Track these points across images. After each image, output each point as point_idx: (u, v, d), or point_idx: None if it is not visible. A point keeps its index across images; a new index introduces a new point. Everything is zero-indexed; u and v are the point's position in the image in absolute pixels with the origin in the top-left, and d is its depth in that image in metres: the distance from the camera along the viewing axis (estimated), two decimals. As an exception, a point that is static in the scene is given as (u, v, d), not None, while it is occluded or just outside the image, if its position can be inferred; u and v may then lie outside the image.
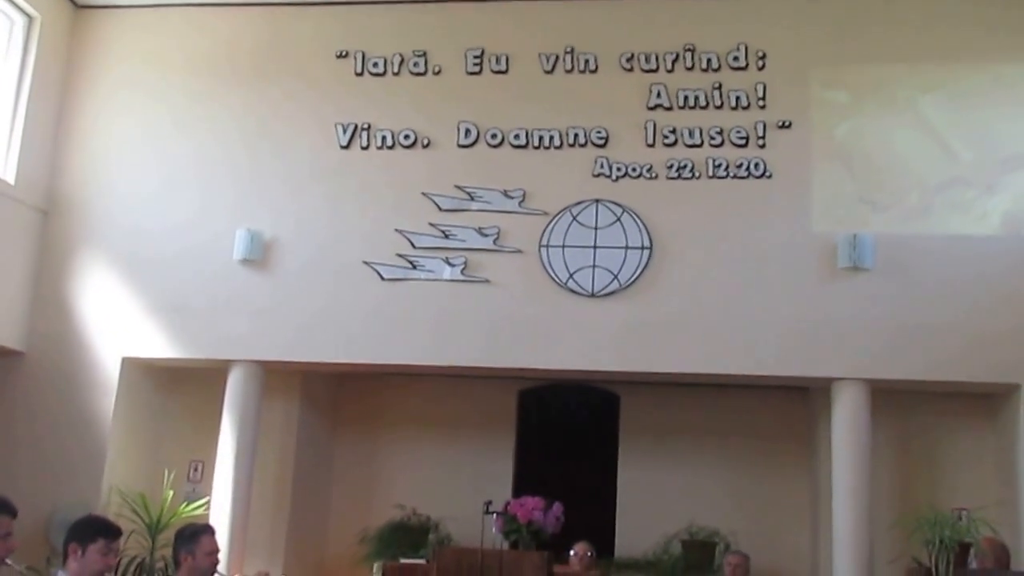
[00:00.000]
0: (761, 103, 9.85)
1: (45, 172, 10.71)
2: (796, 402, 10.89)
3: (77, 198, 10.68)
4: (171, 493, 10.02)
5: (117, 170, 10.69)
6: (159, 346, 10.22)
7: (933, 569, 8.58)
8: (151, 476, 10.35)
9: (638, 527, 10.78)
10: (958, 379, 9.26)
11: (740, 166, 9.74)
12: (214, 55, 10.79)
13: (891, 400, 9.84)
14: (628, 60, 10.09)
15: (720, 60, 9.96)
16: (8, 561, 4.17)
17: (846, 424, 9.36)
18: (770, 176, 9.70)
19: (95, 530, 4.89)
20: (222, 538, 6.75)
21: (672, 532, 10.40)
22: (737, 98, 9.87)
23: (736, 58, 9.94)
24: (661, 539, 10.41)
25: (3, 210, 10.15)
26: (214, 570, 5.60)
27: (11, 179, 10.29)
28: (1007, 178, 9.56)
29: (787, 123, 9.77)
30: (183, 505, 10.05)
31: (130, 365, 10.34)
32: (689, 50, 10.00)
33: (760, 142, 9.78)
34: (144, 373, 10.60)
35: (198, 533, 5.60)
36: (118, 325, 10.31)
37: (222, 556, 6.01)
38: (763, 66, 9.93)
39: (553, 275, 9.72)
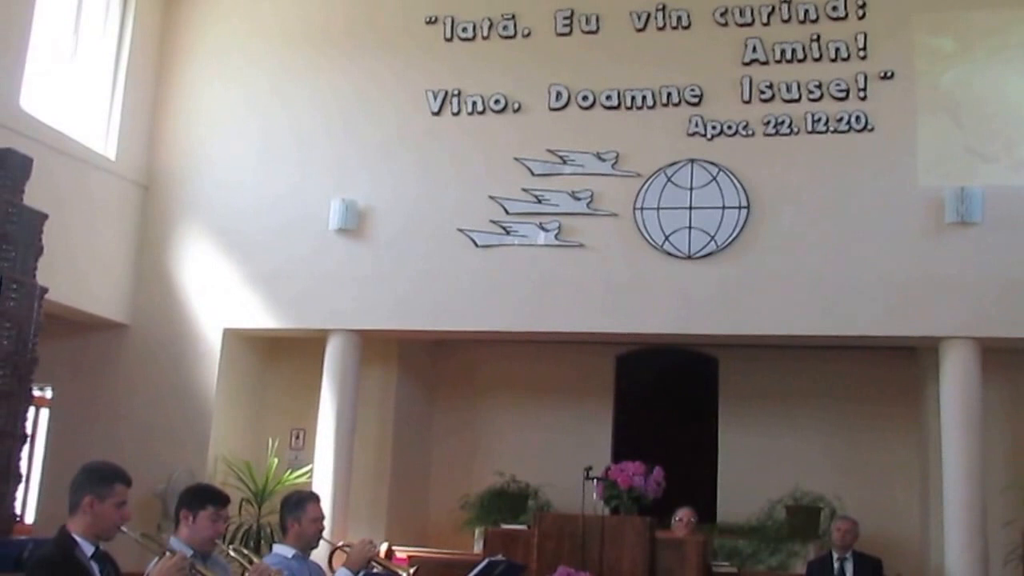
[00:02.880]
0: (862, 54, 9.89)
1: (144, 147, 11.26)
2: (903, 363, 10.92)
3: (176, 172, 11.21)
4: (275, 461, 10.55)
5: (214, 144, 11.18)
6: (259, 317, 10.71)
7: None
8: (255, 445, 10.92)
9: (740, 492, 11.02)
10: (1073, 335, 9.19)
11: (841, 120, 9.80)
12: (305, 26, 11.19)
13: (1002, 359, 9.83)
14: (722, 15, 10.20)
15: (818, 10, 10.01)
16: (124, 529, 4.38)
17: (955, 385, 9.40)
18: (872, 129, 9.75)
19: (205, 498, 5.13)
20: (325, 505, 7.03)
21: (776, 497, 10.63)
22: (836, 49, 9.92)
23: (835, 7, 9.99)
24: (765, 504, 10.65)
25: (105, 186, 10.73)
26: (320, 536, 5.81)
27: (112, 155, 10.86)
28: None
29: (889, 73, 9.80)
30: (287, 473, 10.57)
31: (231, 336, 10.87)
32: (785, 2, 10.10)
33: (861, 94, 9.82)
34: (245, 344, 11.14)
35: (304, 500, 5.81)
36: (218, 297, 10.83)
37: (327, 523, 6.23)
38: (863, 15, 9.95)
39: (648, 238, 9.93)
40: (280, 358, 11.58)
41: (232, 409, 11.03)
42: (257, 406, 11.39)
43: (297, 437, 11.30)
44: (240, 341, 11.08)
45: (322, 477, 10.29)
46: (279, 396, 11.48)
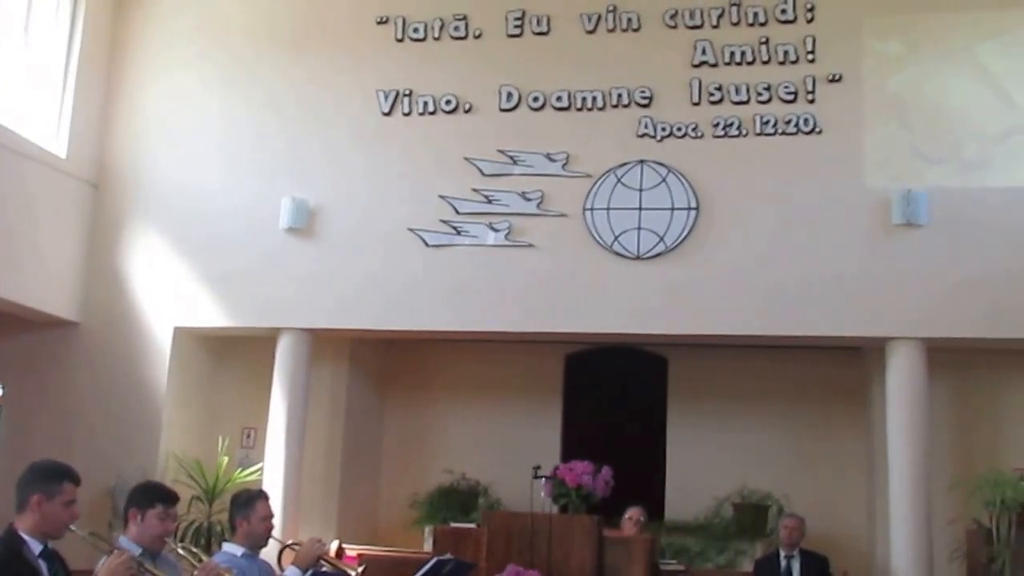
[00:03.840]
0: (810, 57, 10.10)
1: (95, 146, 11.35)
2: (849, 363, 11.17)
3: (126, 171, 11.30)
4: (225, 459, 10.66)
5: (165, 143, 11.27)
6: (210, 316, 10.82)
7: (994, 530, 8.73)
8: (206, 443, 11.00)
9: (689, 490, 11.22)
10: (1017, 336, 9.47)
11: (789, 122, 10.02)
12: (257, 25, 11.30)
13: (948, 359, 10.06)
14: (672, 17, 10.38)
15: (767, 13, 10.22)
16: (72, 527, 4.44)
17: (901, 384, 9.65)
18: (820, 132, 9.97)
19: (154, 496, 5.20)
20: (275, 503, 7.14)
21: (723, 495, 10.86)
22: (785, 52, 10.13)
23: (783, 11, 10.20)
24: (712, 502, 10.87)
25: (55, 184, 10.80)
26: (269, 535, 5.91)
27: (62, 153, 10.93)
28: None
29: (837, 76, 10.02)
30: (237, 471, 10.68)
31: (182, 335, 10.98)
32: (735, 5, 10.28)
33: (810, 97, 10.04)
34: (196, 342, 11.26)
35: (253, 499, 5.91)
36: (169, 295, 10.93)
37: (276, 521, 6.32)
38: (812, 18, 10.16)
39: (598, 238, 10.12)
40: (231, 357, 11.68)
41: (183, 407, 11.14)
42: (208, 404, 11.50)
43: (248, 435, 11.42)
44: (191, 340, 11.20)
45: (272, 475, 10.42)
46: (230, 395, 11.59)
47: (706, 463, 11.33)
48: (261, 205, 10.86)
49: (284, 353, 10.71)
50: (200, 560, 5.18)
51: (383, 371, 12.49)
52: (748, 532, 10.63)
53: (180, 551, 5.35)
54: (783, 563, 9.22)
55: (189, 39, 11.49)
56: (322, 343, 11.05)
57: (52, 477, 4.53)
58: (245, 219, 10.91)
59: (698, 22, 10.39)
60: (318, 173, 10.89)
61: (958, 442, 10.34)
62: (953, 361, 10.26)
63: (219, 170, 11.12)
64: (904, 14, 10.16)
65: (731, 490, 10.90)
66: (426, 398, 12.30)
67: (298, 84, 11.11)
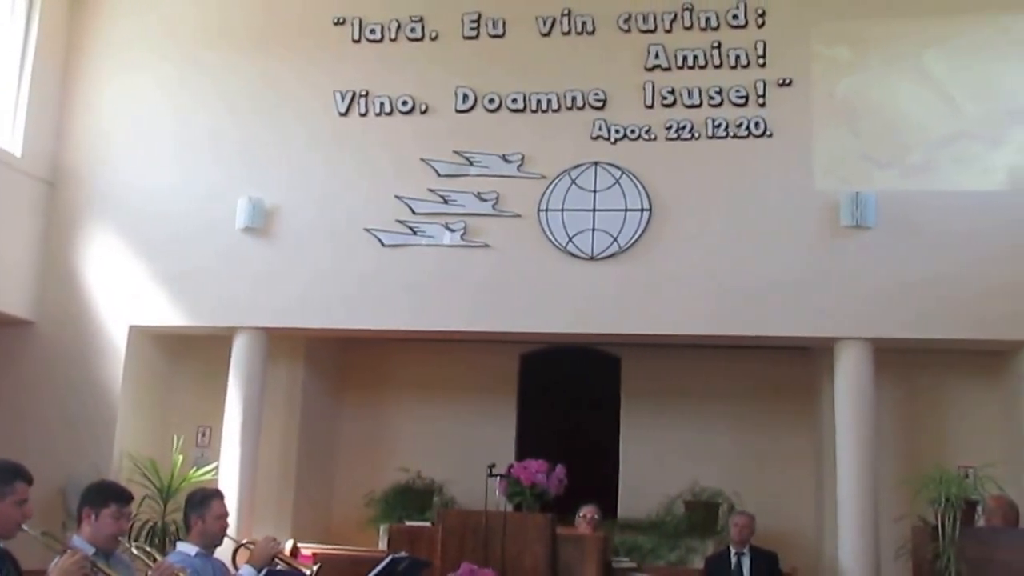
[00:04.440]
0: (761, 61, 10.20)
1: (50, 144, 11.27)
2: (799, 362, 11.29)
3: (82, 169, 11.23)
4: (180, 458, 10.62)
5: (121, 141, 11.22)
6: (165, 314, 10.78)
7: (939, 527, 8.66)
8: (161, 442, 10.97)
9: (641, 488, 11.31)
10: (963, 337, 9.59)
11: (740, 126, 10.11)
12: (215, 24, 11.28)
13: (895, 359, 10.20)
14: (626, 21, 10.45)
15: (719, 18, 10.31)
16: (25, 527, 4.42)
17: (849, 383, 9.77)
18: (771, 135, 10.07)
19: (107, 495, 5.22)
20: (230, 502, 7.09)
21: (675, 493, 10.96)
22: (736, 57, 10.23)
23: (735, 16, 10.29)
24: (664, 500, 10.96)
25: (10, 182, 10.71)
26: (224, 534, 5.93)
27: (17, 151, 10.85)
28: (1012, 131, 9.86)
29: (788, 81, 10.12)
30: (192, 470, 10.62)
31: (137, 333, 10.94)
32: (688, 9, 10.36)
33: (760, 101, 10.14)
34: (151, 341, 11.20)
35: (208, 498, 5.92)
36: (125, 294, 10.88)
37: (231, 520, 6.29)
38: (763, 23, 10.27)
39: (552, 239, 10.17)
40: (186, 356, 11.63)
41: (138, 406, 11.08)
42: (163, 403, 11.45)
43: (203, 434, 11.38)
44: (146, 339, 11.15)
45: (227, 474, 10.39)
46: (185, 394, 11.54)
47: (659, 461, 11.42)
48: (218, 205, 10.82)
49: (240, 352, 10.68)
50: (154, 560, 5.18)
51: (339, 370, 12.48)
52: (699, 530, 10.73)
53: (134, 551, 5.34)
54: (733, 560, 9.33)
55: (145, 39, 11.44)
56: (278, 342, 11.05)
57: (4, 476, 4.50)
58: (201, 218, 10.87)
59: (651, 26, 10.46)
60: (275, 173, 10.87)
61: (905, 440, 10.46)
62: (900, 361, 10.38)
63: (175, 169, 11.08)
64: (853, 20, 10.29)
65: (683, 488, 11.01)
66: (382, 397, 12.31)
67: (255, 85, 11.09)
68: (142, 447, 10.87)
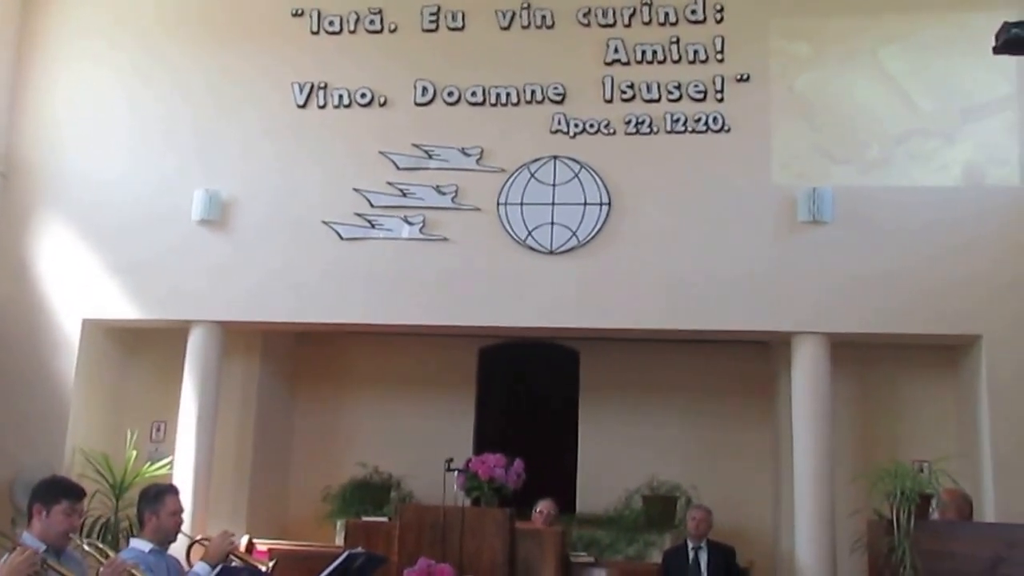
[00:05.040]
0: (719, 56, 10.23)
1: (2, 135, 11.04)
2: (757, 356, 11.32)
3: (35, 161, 11.03)
4: (134, 454, 10.45)
5: (74, 132, 11.04)
6: (119, 307, 10.62)
7: (894, 521, 8.70)
8: (114, 437, 10.76)
9: (599, 483, 11.29)
10: (918, 331, 9.68)
11: (699, 120, 10.13)
12: (169, 15, 11.14)
13: (851, 353, 10.28)
14: (585, 15, 10.44)
15: (678, 13, 10.33)
16: None
17: (806, 378, 9.79)
18: (729, 130, 10.10)
19: (59, 491, 5.13)
20: (185, 498, 7.00)
21: (633, 487, 10.94)
22: (695, 52, 10.25)
23: (694, 11, 10.32)
24: (623, 494, 10.93)
25: (-40, 174, 10.50)
26: (178, 530, 5.85)
27: (-33, 142, 10.63)
28: (968, 128, 9.94)
29: (746, 76, 10.16)
30: (146, 465, 10.45)
31: (91, 327, 10.76)
32: (647, 4, 10.37)
33: (718, 96, 10.17)
34: (105, 334, 11.03)
35: (162, 493, 5.83)
36: (78, 287, 10.71)
37: (186, 516, 6.23)
38: (721, 19, 10.31)
39: (512, 232, 10.14)
40: (141, 350, 11.47)
41: (90, 401, 10.91)
42: (117, 398, 11.27)
43: (158, 429, 11.21)
44: (100, 332, 10.98)
45: (182, 470, 10.25)
46: (140, 388, 11.39)
47: (617, 456, 11.40)
48: (173, 196, 10.68)
49: (195, 346, 10.56)
50: (106, 556, 5.09)
51: (296, 364, 12.37)
52: (657, 524, 10.70)
53: (86, 547, 5.25)
54: (691, 554, 9.29)
55: (100, 27, 11.26)
56: (234, 336, 10.93)
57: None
58: (156, 210, 10.72)
59: (611, 21, 10.46)
60: (231, 165, 10.75)
61: (861, 435, 10.52)
62: (856, 355, 10.46)
63: (130, 161, 10.92)
64: (811, 17, 10.33)
65: (641, 482, 10.99)
66: (339, 391, 12.20)
67: (212, 76, 10.96)
68: (95, 442, 10.70)
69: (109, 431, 10.96)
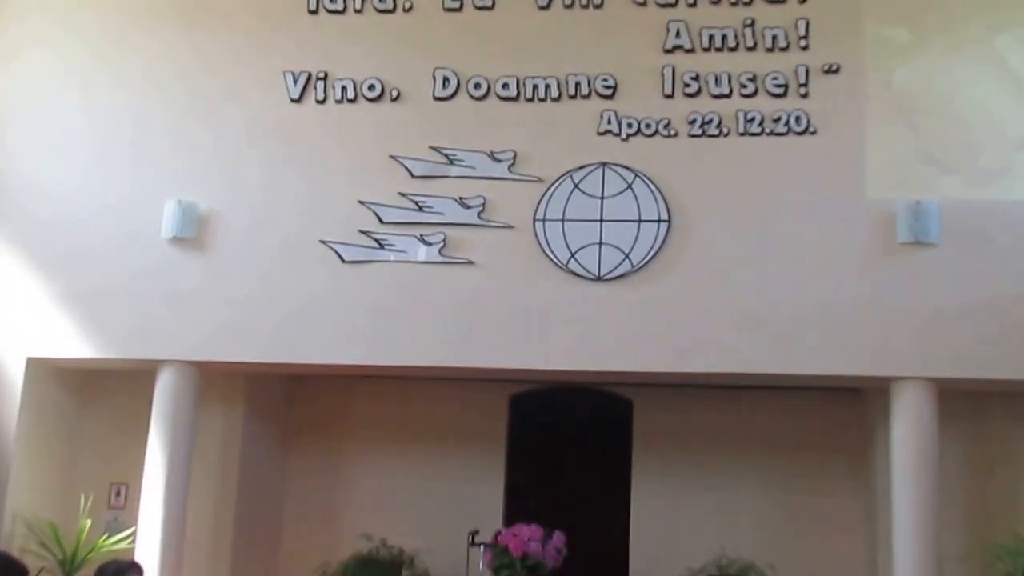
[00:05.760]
0: (803, 43, 10.39)
1: (-64, 139, 11.24)
2: (847, 407, 11.51)
3: (-30, 169, 11.21)
4: (88, 523, 10.59)
5: (19, 133, 11.28)
6: (72, 344, 10.75)
7: None
8: (64, 502, 10.96)
9: (656, 560, 11.43)
10: (1045, 377, 9.74)
11: (778, 120, 10.28)
12: None
13: (962, 403, 10.40)
14: None
15: None
16: None
17: (908, 432, 9.87)
18: (814, 132, 10.24)
19: None
20: None
21: (698, 565, 10.92)
22: (774, 37, 10.41)
23: None
24: (684, 573, 10.88)
25: None
26: None
27: None
28: None
29: (835, 67, 10.32)
30: (103, 537, 10.63)
31: (37, 367, 10.91)
32: None
33: (802, 91, 10.32)
34: (54, 377, 11.21)
35: (123, 571, 6.08)
36: (22, 320, 10.85)
37: None
38: None
39: (551, 255, 10.28)
40: (98, 395, 11.68)
41: (36, 457, 11.07)
42: (68, 454, 11.46)
43: (117, 493, 11.41)
44: (48, 373, 11.16)
45: (148, 543, 10.35)
46: (96, 442, 11.57)
47: (678, 526, 11.59)
48: (139, 210, 10.89)
49: (164, 391, 10.69)
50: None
51: (287, 414, 12.59)
52: (727, 611, 10.83)
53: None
54: (770, 646, 9.39)
55: (52, 8, 11.49)
56: (212, 379, 11.11)
57: None
58: (118, 227, 10.93)
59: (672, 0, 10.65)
60: (210, 172, 10.97)
61: (974, 501, 10.61)
62: (968, 406, 10.58)
63: (87, 167, 11.15)
64: None
65: (707, 559, 11.00)
66: (339, 448, 12.40)
67: (187, 65, 11.20)
68: (40, 508, 10.85)
69: (58, 495, 11.13)
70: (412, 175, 10.65)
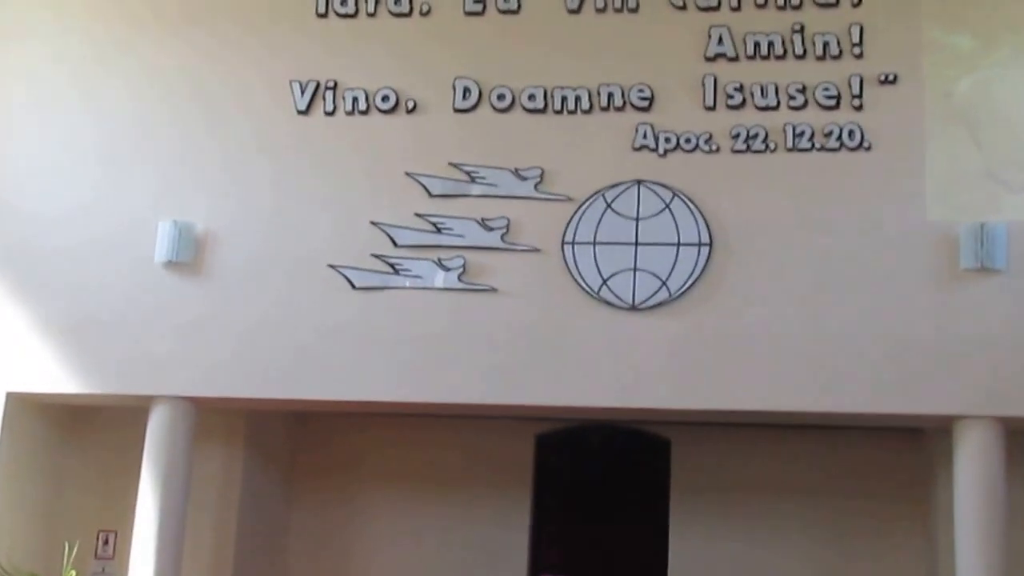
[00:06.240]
0: (857, 51, 10.67)
1: (-100, 148, 11.50)
2: (906, 448, 11.76)
3: (-57, 183, 11.45)
4: (73, 574, 10.55)
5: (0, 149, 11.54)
6: (56, 378, 10.99)
7: None
8: (46, 551, 11.20)
9: (698, 613, 11.62)
10: (1122, 415, 9.92)
11: (829, 135, 10.54)
12: None
13: (1033, 444, 10.53)
14: None
15: None
16: None
17: (973, 475, 10.03)
18: (869, 148, 10.49)
19: None
20: None
21: (742, 617, 11.31)
22: (825, 44, 10.71)
23: None
24: None
25: None
26: None
27: None
28: None
29: (891, 77, 10.59)
30: (89, 590, 10.82)
31: (17, 403, 11.17)
32: None
33: (856, 102, 10.57)
34: (37, 413, 11.49)
35: None
36: (1, 351, 11.10)
37: None
38: (859, 1, 10.71)
39: (581, 282, 10.54)
40: (85, 434, 11.95)
41: (15, 501, 11.32)
42: (51, 498, 11.72)
43: (105, 542, 11.71)
44: (29, 410, 11.43)
45: (139, 596, 10.56)
46: (82, 485, 11.84)
47: (721, 576, 11.76)
48: (130, 231, 11.17)
49: (158, 430, 10.88)
50: None
51: (291, 455, 12.84)
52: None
53: None
54: None
55: (35, 8, 11.80)
56: (209, 417, 11.33)
57: None
58: (108, 249, 11.19)
59: (713, 2, 10.96)
60: (208, 189, 11.24)
61: (1045, 551, 10.80)
62: (1041, 447, 10.70)
63: (72, 184, 11.45)
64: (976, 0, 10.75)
65: (752, 611, 11.34)
66: (349, 491, 12.64)
67: (185, 71, 11.52)
68: (20, 558, 11.02)
69: (40, 543, 11.41)
70: (430, 194, 10.94)
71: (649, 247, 10.61)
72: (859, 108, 10.64)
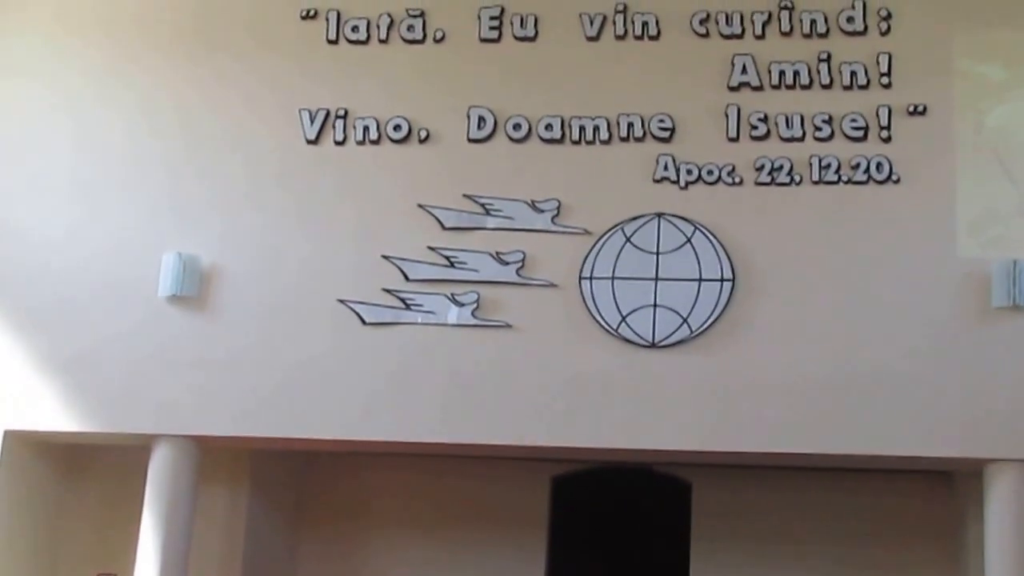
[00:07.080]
0: (885, 81, 10.67)
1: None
2: (934, 492, 11.77)
3: (-63, 213, 11.46)
4: None
5: (-4, 181, 11.51)
6: (54, 416, 10.99)
7: None
8: None
9: (719, 663, 11.59)
10: None
11: (856, 167, 10.56)
12: (132, 18, 11.73)
13: (1067, 489, 10.43)
14: (702, 22, 11.00)
15: (828, 21, 10.84)
16: None
17: (1005, 521, 9.99)
18: (897, 181, 10.49)
19: None
20: None
21: (765, 666, 11.27)
22: (852, 74, 10.72)
23: (850, 19, 10.82)
24: None
25: None
26: None
27: None
28: None
29: (921, 108, 10.60)
30: (89, 635, 10.83)
31: (15, 441, 11.18)
32: (786, 8, 10.90)
33: (884, 134, 10.58)
34: (34, 452, 11.49)
35: None
36: None
37: None
38: (887, 29, 10.77)
39: (599, 318, 10.55)
40: (84, 473, 11.97)
41: (12, 543, 11.32)
42: (50, 538, 11.74)
43: (106, 586, 11.60)
44: (28, 448, 11.44)
45: (140, 644, 10.53)
46: (81, 526, 11.85)
47: (744, 626, 11.72)
48: (133, 264, 11.20)
49: (159, 469, 10.89)
50: None
51: (298, 497, 12.86)
52: None
53: None
54: None
55: (37, 36, 11.90)
56: (213, 456, 11.34)
57: None
58: (109, 282, 11.21)
59: (737, 30, 10.99)
60: (215, 221, 11.27)
61: (1083, 603, 10.74)
62: (1075, 492, 10.65)
63: (74, 213, 11.49)
64: (1008, 28, 10.80)
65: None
66: (357, 534, 12.66)
67: (189, 99, 11.57)
68: (18, 603, 11.01)
69: (38, 587, 11.29)
70: (443, 226, 10.97)
71: (670, 282, 10.62)
72: (887, 140, 10.65)
